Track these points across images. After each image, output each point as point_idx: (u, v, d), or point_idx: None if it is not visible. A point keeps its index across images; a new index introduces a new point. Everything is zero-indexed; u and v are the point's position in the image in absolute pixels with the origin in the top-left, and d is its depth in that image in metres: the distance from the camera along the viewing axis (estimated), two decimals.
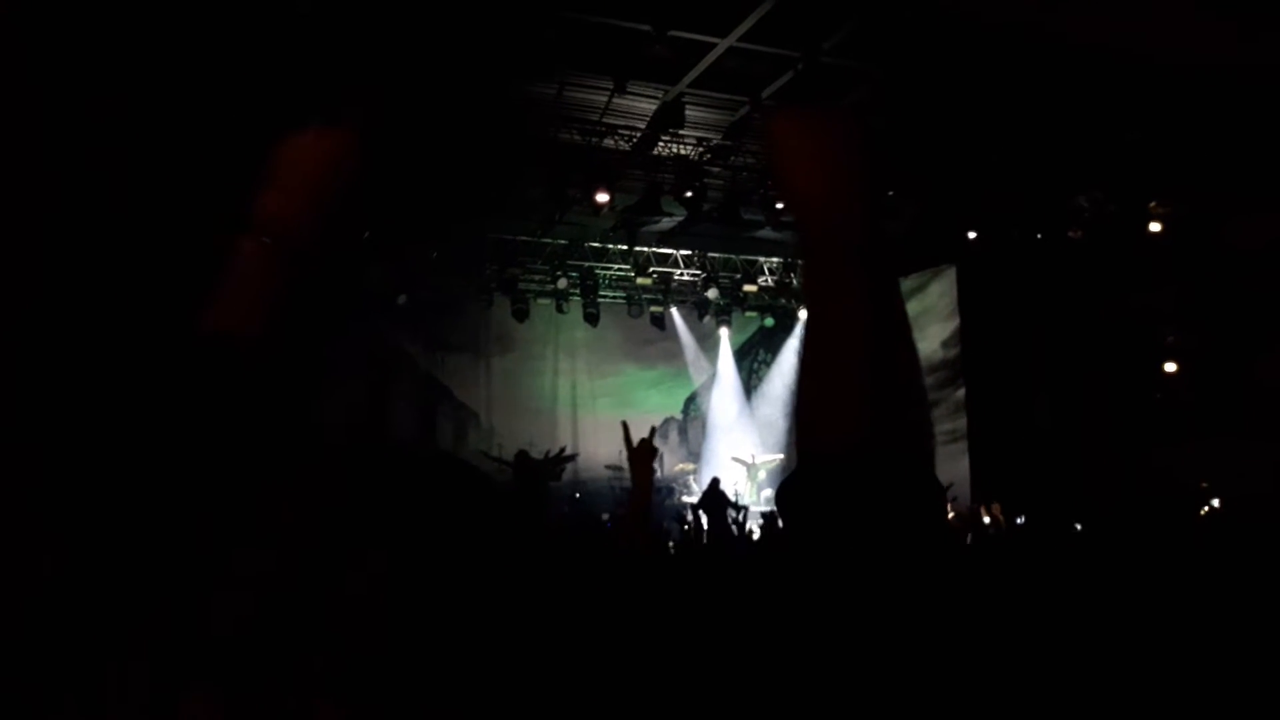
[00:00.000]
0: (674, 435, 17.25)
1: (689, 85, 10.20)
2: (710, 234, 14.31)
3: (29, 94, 0.98)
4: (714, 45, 9.27)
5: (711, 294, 15.61)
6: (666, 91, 10.40)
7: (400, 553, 0.65)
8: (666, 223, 13.84)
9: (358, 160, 1.02)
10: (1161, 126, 10.02)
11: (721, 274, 15.88)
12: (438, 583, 0.65)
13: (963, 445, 13.89)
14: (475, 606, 0.66)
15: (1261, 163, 10.02)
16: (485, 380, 16.14)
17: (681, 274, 15.79)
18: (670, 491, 15.21)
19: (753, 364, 18.34)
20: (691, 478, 16.14)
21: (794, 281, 15.93)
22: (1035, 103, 9.90)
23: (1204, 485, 10.10)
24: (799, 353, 0.87)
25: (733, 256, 15.87)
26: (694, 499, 14.64)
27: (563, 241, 14.62)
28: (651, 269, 15.34)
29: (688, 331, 17.39)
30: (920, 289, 14.87)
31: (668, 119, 10.77)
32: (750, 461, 16.04)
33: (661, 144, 11.71)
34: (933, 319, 14.70)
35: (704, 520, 13.27)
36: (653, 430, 3.33)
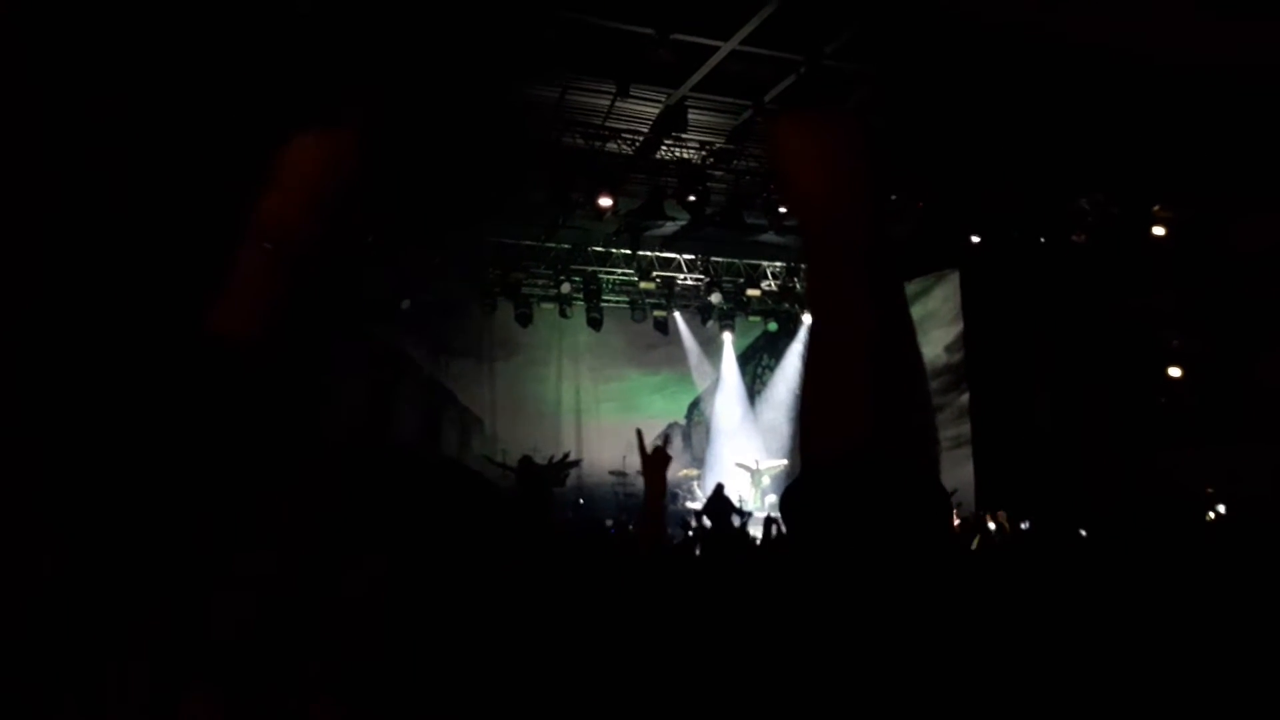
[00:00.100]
0: (677, 441, 17.22)
1: (692, 89, 10.22)
2: (713, 238, 14.32)
3: (32, 97, 0.98)
4: (717, 49, 9.28)
5: (715, 298, 15.61)
6: (669, 95, 10.42)
7: (400, 556, 0.64)
8: (669, 227, 13.85)
9: (359, 163, 1.01)
10: (1164, 129, 10.00)
11: (725, 278, 15.88)
12: (438, 587, 0.65)
13: (967, 450, 13.87)
14: (475, 611, 0.66)
15: (1265, 165, 10.00)
16: (489, 385, 16.14)
17: (685, 278, 15.79)
18: (674, 497, 15.20)
19: (756, 369, 18.33)
20: (695, 483, 16.13)
21: (797, 286, 15.92)
22: (1038, 106, 9.90)
23: (1209, 490, 10.08)
24: (803, 357, 0.87)
25: (736, 261, 15.87)
26: (698, 505, 14.63)
27: (566, 246, 14.63)
28: (655, 273, 15.35)
29: (691, 336, 17.38)
30: (923, 293, 14.86)
31: (670, 123, 10.78)
32: (754, 467, 16.02)
33: (664, 148, 11.72)
34: (936, 324, 14.69)
35: (708, 526, 13.28)
36: (666, 438, 3.33)
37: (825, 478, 0.80)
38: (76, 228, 0.96)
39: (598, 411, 16.58)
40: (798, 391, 0.85)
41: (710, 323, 16.88)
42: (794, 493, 0.81)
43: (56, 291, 0.89)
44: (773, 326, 17.57)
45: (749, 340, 18.12)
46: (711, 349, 17.63)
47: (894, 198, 11.70)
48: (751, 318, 17.43)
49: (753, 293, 15.86)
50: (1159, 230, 12.24)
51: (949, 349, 14.70)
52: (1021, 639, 2.82)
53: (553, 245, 14.52)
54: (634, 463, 14.11)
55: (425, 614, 0.64)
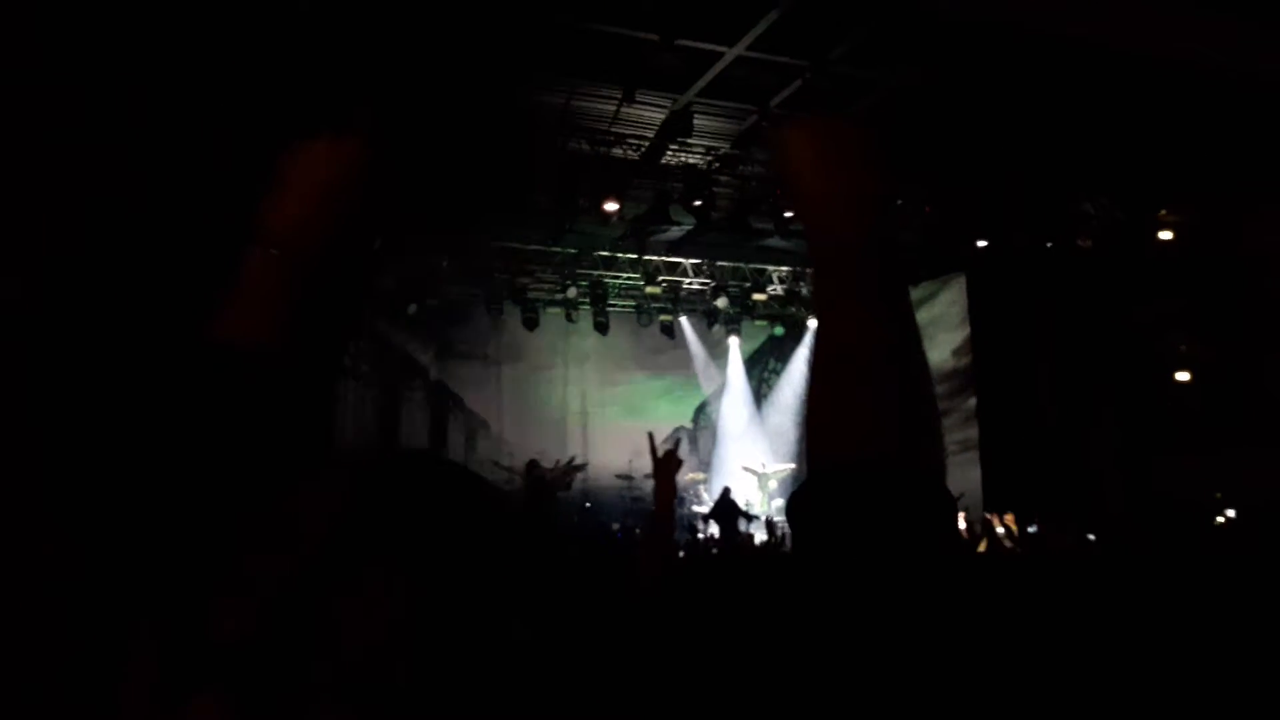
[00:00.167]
0: (684, 445, 17.10)
1: (697, 94, 10.22)
2: (719, 243, 14.32)
3: (45, 105, 0.99)
4: (722, 54, 9.29)
5: (721, 303, 15.60)
6: (675, 100, 10.42)
7: (407, 562, 0.65)
8: (675, 231, 13.85)
9: (367, 169, 1.02)
10: (1170, 132, 9.99)
11: (731, 283, 15.86)
12: (444, 593, 0.65)
13: (974, 454, 13.84)
14: (481, 616, 0.66)
15: (1271, 168, 9.98)
16: (495, 389, 16.16)
17: (691, 283, 15.79)
18: (680, 501, 15.19)
19: (763, 373, 18.32)
20: (702, 487, 16.12)
21: (803, 290, 15.91)
22: (1043, 110, 9.89)
23: (1217, 495, 10.05)
24: (809, 362, 0.87)
25: (742, 265, 15.86)
26: (705, 509, 14.62)
27: (572, 250, 14.64)
28: (661, 278, 15.35)
29: (697, 340, 17.38)
30: (930, 298, 14.84)
31: (676, 128, 10.79)
32: (761, 471, 16.00)
33: (670, 153, 11.72)
34: (943, 328, 14.66)
35: (715, 530, 13.28)
36: (677, 442, 3.32)
37: (831, 482, 0.80)
38: (88, 233, 0.96)
39: (604, 415, 16.58)
40: (803, 396, 0.85)
41: (716, 327, 16.87)
42: (799, 497, 0.81)
43: (68, 297, 0.90)
44: (779, 331, 17.55)
45: (755, 344, 18.11)
46: (718, 353, 17.63)
47: (900, 202, 11.70)
48: (758, 322, 17.41)
49: (759, 297, 15.85)
50: (1165, 234, 12.21)
51: (956, 353, 14.67)
52: (1029, 643, 2.81)
53: (559, 250, 14.52)
54: (640, 467, 14.10)
55: (432, 619, 0.64)
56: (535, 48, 8.90)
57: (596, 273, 15.20)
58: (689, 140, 11.29)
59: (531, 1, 8.04)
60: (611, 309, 15.71)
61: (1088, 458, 13.20)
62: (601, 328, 15.64)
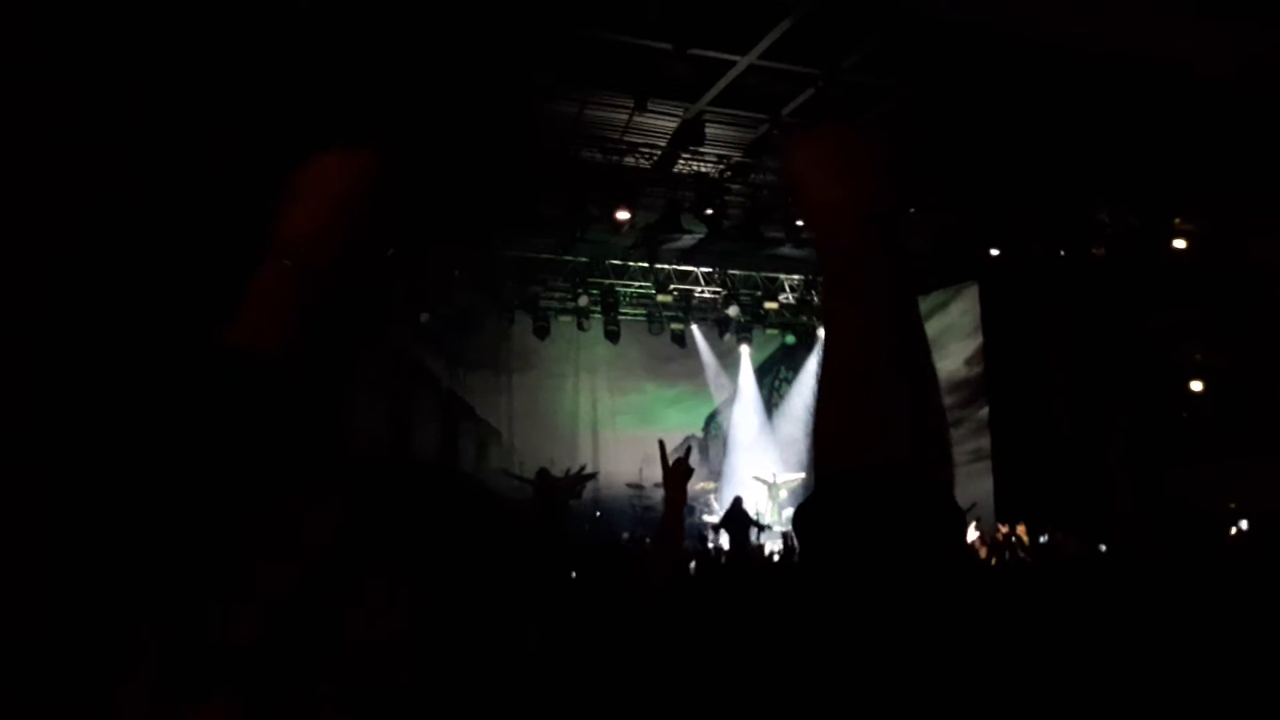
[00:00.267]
0: (695, 453, 17.19)
1: (709, 103, 10.23)
2: (731, 251, 14.32)
3: (52, 111, 1.00)
4: (734, 63, 9.30)
5: (732, 311, 15.60)
6: (687, 109, 10.44)
7: (414, 572, 0.65)
8: (687, 240, 13.86)
9: (380, 181, 1.02)
10: (1183, 141, 9.95)
11: (742, 291, 15.87)
12: (452, 603, 0.65)
13: (986, 464, 13.78)
14: (489, 627, 0.66)
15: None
16: (507, 397, 16.18)
17: (702, 291, 15.80)
18: (691, 510, 15.16)
19: (774, 382, 18.30)
20: (712, 496, 16.09)
21: (815, 299, 15.89)
22: (1056, 118, 9.87)
23: (1231, 505, 9.98)
24: (817, 371, 0.87)
25: (753, 274, 15.86)
26: (715, 518, 14.59)
27: (584, 259, 14.66)
28: (672, 286, 15.36)
29: (708, 349, 17.37)
30: (942, 306, 14.80)
31: (688, 137, 10.80)
32: (772, 480, 15.96)
33: (682, 161, 11.74)
34: (955, 336, 14.62)
35: (725, 540, 13.25)
36: (688, 450, 3.31)
37: (838, 493, 0.80)
38: (99, 241, 0.97)
39: (614, 424, 16.58)
40: (811, 405, 0.85)
41: (728, 335, 16.88)
42: (806, 508, 0.81)
43: (76, 304, 0.91)
44: (790, 339, 17.54)
45: (766, 353, 18.10)
46: (729, 362, 17.62)
47: (913, 211, 11.68)
48: (769, 330, 17.40)
49: (770, 306, 15.85)
50: (1179, 243, 12.16)
51: (968, 362, 14.62)
52: (1039, 655, 2.80)
53: (570, 258, 14.55)
54: (651, 475, 14.08)
55: (436, 629, 0.64)
56: (548, 57, 8.93)
57: (608, 281, 15.23)
58: (701, 149, 11.31)
59: (544, 11, 8.07)
60: (623, 317, 15.73)
61: (1101, 467, 13.13)
62: (613, 336, 15.66)
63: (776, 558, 9.49)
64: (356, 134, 1.04)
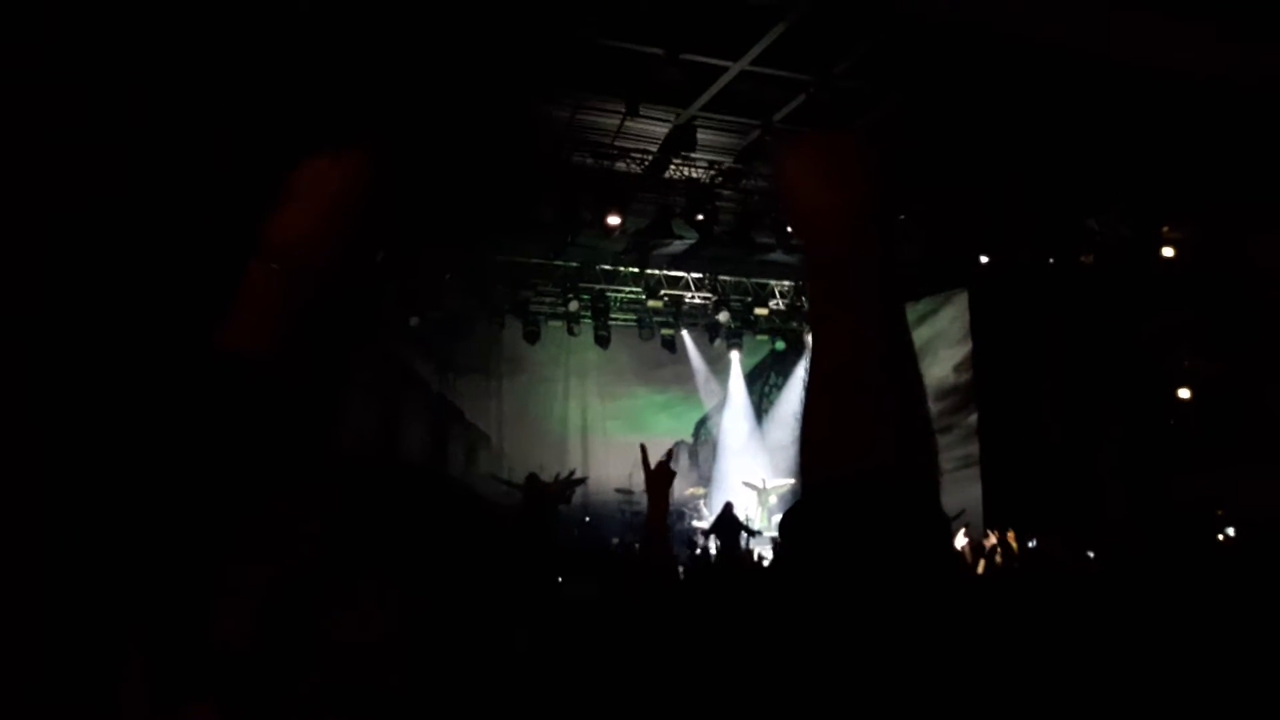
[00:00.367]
0: (684, 459, 17.18)
1: (701, 109, 10.25)
2: (721, 257, 14.33)
3: (48, 113, 1.00)
4: (726, 69, 9.32)
5: (723, 317, 15.61)
6: (678, 115, 10.46)
7: (401, 575, 0.65)
8: (678, 245, 13.86)
9: (372, 184, 1.02)
10: (1173, 147, 10.00)
11: (733, 297, 15.88)
12: (439, 606, 0.65)
13: (975, 471, 13.80)
14: (476, 630, 0.66)
15: (1275, 182, 9.97)
16: (496, 402, 16.15)
17: (692, 297, 15.80)
18: (680, 516, 15.15)
19: (764, 387, 18.30)
20: (702, 502, 16.08)
21: (805, 305, 15.91)
22: (1046, 125, 9.91)
23: (1219, 512, 10.02)
24: (804, 378, 0.87)
25: (744, 279, 15.87)
26: (705, 524, 14.58)
27: (574, 264, 14.65)
28: (663, 292, 15.35)
29: (698, 354, 17.37)
30: (932, 313, 14.83)
31: (679, 142, 10.82)
32: (761, 486, 15.97)
33: (673, 167, 11.75)
34: (944, 343, 14.65)
35: (715, 545, 13.23)
36: (670, 452, 3.30)
37: (824, 499, 0.80)
38: (91, 243, 0.97)
39: (604, 429, 16.56)
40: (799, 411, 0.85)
41: (718, 341, 16.87)
42: (793, 515, 0.81)
43: (70, 306, 0.90)
44: (780, 345, 17.55)
45: (756, 359, 18.10)
46: (719, 367, 17.62)
47: (902, 218, 11.70)
48: (759, 336, 17.41)
49: (760, 311, 15.85)
50: (1168, 251, 12.21)
51: (958, 369, 14.65)
52: (1027, 663, 2.80)
53: (561, 263, 14.55)
54: (640, 481, 14.00)
55: (429, 632, 0.64)
56: (540, 62, 8.93)
57: (598, 286, 15.21)
58: (692, 154, 11.33)
59: (537, 16, 8.07)
60: (613, 323, 15.72)
61: (1090, 474, 13.17)
62: (603, 341, 15.64)
63: (766, 563, 9.48)
64: (349, 136, 1.04)
